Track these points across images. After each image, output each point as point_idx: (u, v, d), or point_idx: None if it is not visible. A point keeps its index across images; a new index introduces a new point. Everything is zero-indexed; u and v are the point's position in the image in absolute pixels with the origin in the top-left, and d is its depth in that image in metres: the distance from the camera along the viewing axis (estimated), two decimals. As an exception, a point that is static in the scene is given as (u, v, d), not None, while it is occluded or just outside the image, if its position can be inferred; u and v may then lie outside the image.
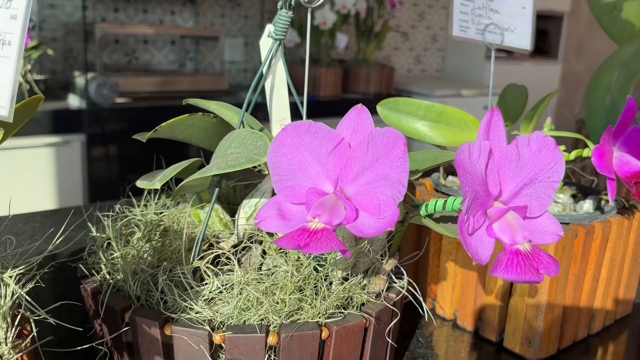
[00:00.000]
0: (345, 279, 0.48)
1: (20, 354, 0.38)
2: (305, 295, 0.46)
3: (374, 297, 0.48)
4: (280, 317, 0.44)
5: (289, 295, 0.45)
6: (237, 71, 2.55)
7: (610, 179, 0.55)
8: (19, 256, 0.44)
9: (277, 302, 0.44)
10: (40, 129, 1.76)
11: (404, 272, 0.51)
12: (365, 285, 0.49)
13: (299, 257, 0.48)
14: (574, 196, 0.68)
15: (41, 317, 0.40)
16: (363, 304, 0.47)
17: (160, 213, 0.58)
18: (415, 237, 0.69)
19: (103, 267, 0.49)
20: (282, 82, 0.53)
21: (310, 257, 0.48)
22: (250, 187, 0.61)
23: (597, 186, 0.75)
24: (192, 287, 0.46)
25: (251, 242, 0.52)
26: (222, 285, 0.46)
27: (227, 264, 0.48)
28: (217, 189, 0.50)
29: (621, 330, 0.67)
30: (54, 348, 0.45)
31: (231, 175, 0.60)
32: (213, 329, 0.43)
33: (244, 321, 0.44)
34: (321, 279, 0.47)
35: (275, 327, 0.44)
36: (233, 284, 0.46)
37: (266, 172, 0.60)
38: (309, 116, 0.50)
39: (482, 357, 0.60)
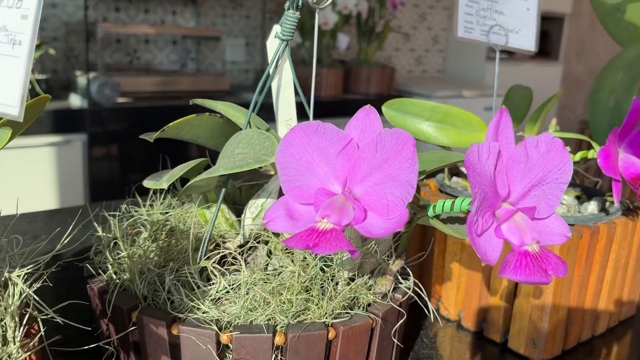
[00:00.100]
0: (352, 279, 0.48)
1: (29, 353, 0.38)
2: (312, 296, 0.46)
3: (380, 298, 0.48)
4: (287, 317, 0.44)
5: (296, 295, 0.45)
6: (239, 71, 2.55)
7: (616, 180, 0.55)
8: (26, 255, 0.44)
9: (284, 302, 0.45)
10: (41, 128, 1.76)
11: (410, 272, 0.52)
12: (371, 285, 0.49)
13: (305, 258, 0.48)
14: (578, 197, 0.68)
15: (49, 316, 0.40)
16: (369, 305, 0.47)
17: (166, 213, 0.58)
18: (419, 238, 0.69)
19: (109, 266, 0.49)
20: (289, 82, 0.53)
21: (316, 257, 0.48)
22: (255, 187, 0.61)
23: (601, 187, 0.75)
24: (199, 287, 0.46)
25: (257, 242, 0.52)
26: (229, 285, 0.46)
27: (234, 264, 0.48)
28: (223, 189, 0.50)
29: (625, 331, 0.67)
30: (61, 347, 0.45)
31: (238, 176, 0.60)
32: (220, 329, 0.43)
33: (251, 321, 0.44)
34: (328, 279, 0.47)
35: (282, 327, 0.44)
36: (240, 284, 0.46)
37: (272, 173, 0.60)
38: (310, 116, 0.50)
39: (487, 358, 0.60)
